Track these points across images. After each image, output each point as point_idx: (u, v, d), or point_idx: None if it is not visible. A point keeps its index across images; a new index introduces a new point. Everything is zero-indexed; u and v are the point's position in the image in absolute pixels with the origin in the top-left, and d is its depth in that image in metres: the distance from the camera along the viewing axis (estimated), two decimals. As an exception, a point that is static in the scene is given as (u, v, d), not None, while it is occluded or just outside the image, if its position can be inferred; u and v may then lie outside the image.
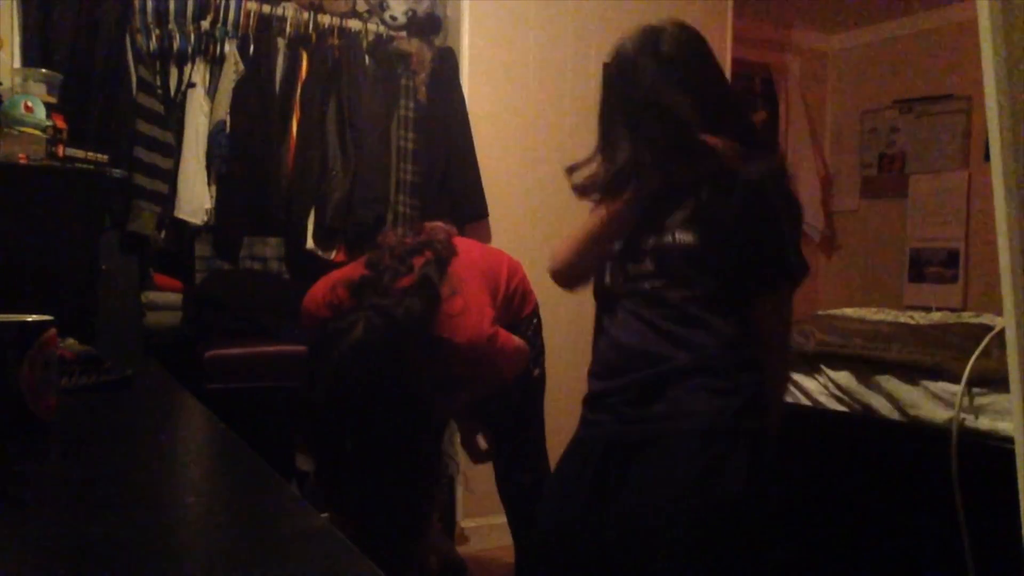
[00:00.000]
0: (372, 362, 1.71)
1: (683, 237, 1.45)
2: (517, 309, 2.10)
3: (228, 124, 2.86)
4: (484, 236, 3.19)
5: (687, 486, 1.37)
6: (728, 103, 1.56)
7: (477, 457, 2.21)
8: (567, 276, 1.62)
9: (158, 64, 2.80)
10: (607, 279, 1.56)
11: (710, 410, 1.40)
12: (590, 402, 1.56)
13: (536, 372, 2.16)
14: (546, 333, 2.25)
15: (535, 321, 2.17)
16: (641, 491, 1.41)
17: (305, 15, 3.05)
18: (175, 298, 2.83)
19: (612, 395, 1.49)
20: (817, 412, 2.23)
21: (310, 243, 3.01)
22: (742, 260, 1.45)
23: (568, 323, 2.95)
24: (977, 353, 1.88)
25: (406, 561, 1.98)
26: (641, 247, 1.50)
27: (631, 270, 1.51)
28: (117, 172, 2.40)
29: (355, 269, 1.99)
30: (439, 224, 2.09)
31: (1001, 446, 1.72)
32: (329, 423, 1.77)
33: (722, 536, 1.37)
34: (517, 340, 1.97)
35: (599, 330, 1.59)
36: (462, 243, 2.07)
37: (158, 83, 2.78)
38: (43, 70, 2.38)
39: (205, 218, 2.85)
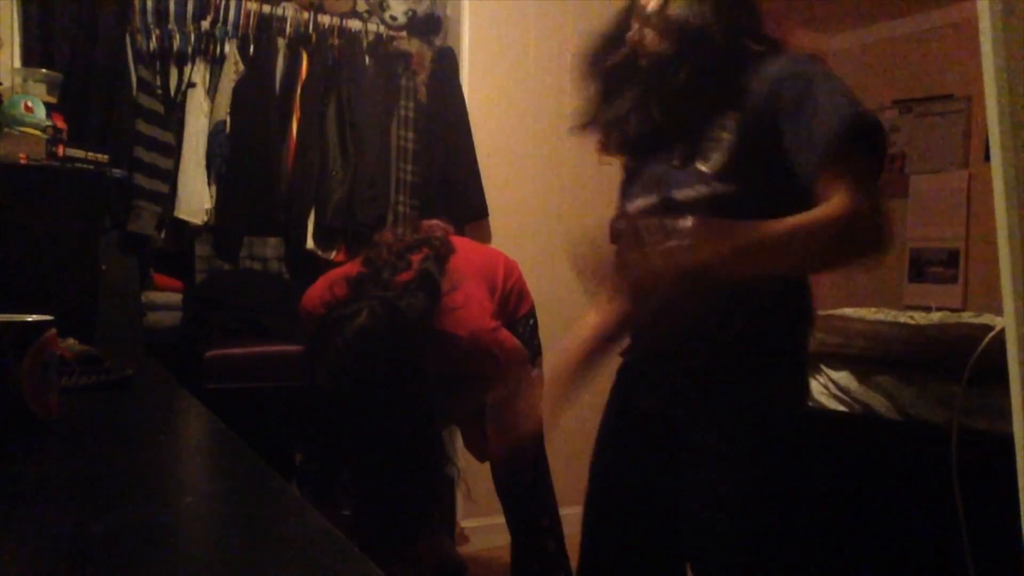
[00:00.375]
0: (375, 350, 1.70)
1: (721, 187, 1.23)
2: (513, 308, 2.10)
3: (228, 124, 2.86)
4: (484, 236, 3.20)
5: (725, 471, 1.32)
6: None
7: (481, 456, 2.21)
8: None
9: (158, 64, 2.80)
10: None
11: (750, 394, 1.30)
12: (627, 365, 1.45)
13: (534, 372, 2.16)
14: (545, 333, 2.25)
15: (531, 322, 2.17)
16: (679, 471, 1.35)
17: (305, 15, 3.05)
18: (175, 298, 2.83)
19: (648, 367, 1.39)
20: (817, 412, 2.22)
21: (310, 243, 3.01)
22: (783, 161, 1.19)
23: (567, 324, 2.94)
24: (977, 353, 1.88)
25: (406, 556, 1.98)
26: (675, 197, 1.28)
27: (670, 227, 1.30)
28: (117, 172, 2.40)
29: (352, 267, 1.99)
30: (436, 222, 2.10)
31: (1001, 446, 1.72)
32: (329, 415, 1.77)
33: (765, 519, 1.34)
34: (516, 340, 1.97)
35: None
36: (459, 241, 2.08)
37: (158, 83, 2.78)
38: (43, 70, 2.39)
39: (205, 218, 2.86)
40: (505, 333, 1.93)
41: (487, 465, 2.26)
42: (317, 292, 1.98)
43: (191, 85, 2.84)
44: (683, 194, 1.27)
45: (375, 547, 1.94)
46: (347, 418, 1.75)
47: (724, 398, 1.31)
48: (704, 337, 1.30)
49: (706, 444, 1.32)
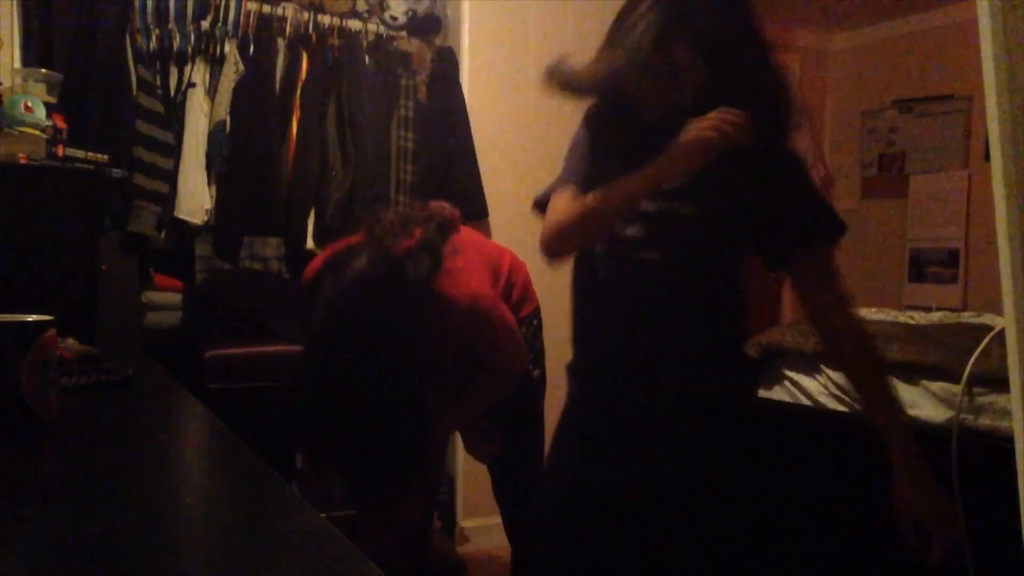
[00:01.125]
0: (373, 299, 1.65)
1: (684, 207, 1.31)
2: (516, 304, 2.09)
3: (228, 124, 2.86)
4: (484, 236, 3.20)
5: (679, 469, 1.36)
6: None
7: (482, 456, 2.20)
8: (566, 246, 1.46)
9: (158, 64, 2.80)
10: None
11: (703, 395, 1.37)
12: (578, 377, 1.49)
13: (536, 373, 2.15)
14: (546, 334, 2.25)
15: (535, 322, 2.17)
16: (635, 472, 1.39)
17: (305, 15, 3.05)
18: (175, 298, 2.83)
19: (601, 374, 1.43)
20: (817, 412, 2.23)
21: (310, 243, 3.01)
22: (766, 223, 1.33)
23: (569, 324, 2.94)
24: (977, 353, 1.88)
25: (391, 513, 1.95)
26: (639, 208, 1.34)
27: (619, 232, 1.37)
28: (117, 172, 2.40)
29: (354, 239, 1.97)
30: (444, 203, 2.07)
31: (1001, 446, 1.72)
32: (321, 367, 1.71)
33: (716, 520, 1.36)
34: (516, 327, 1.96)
35: (585, 296, 1.47)
36: (466, 229, 2.06)
37: (158, 83, 2.78)
38: (43, 70, 2.38)
39: (205, 218, 2.85)
40: (506, 307, 1.91)
41: (486, 466, 2.25)
42: (317, 263, 1.96)
43: (191, 85, 2.84)
44: (644, 206, 1.33)
45: (364, 506, 1.91)
46: (338, 369, 1.68)
47: (678, 392, 1.37)
48: (660, 344, 1.37)
49: (665, 436, 1.37)
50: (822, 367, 2.23)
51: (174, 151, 2.79)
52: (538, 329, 2.18)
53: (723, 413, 1.38)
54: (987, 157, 3.86)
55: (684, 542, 1.37)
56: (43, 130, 2.17)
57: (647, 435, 1.38)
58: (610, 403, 1.42)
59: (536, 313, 2.17)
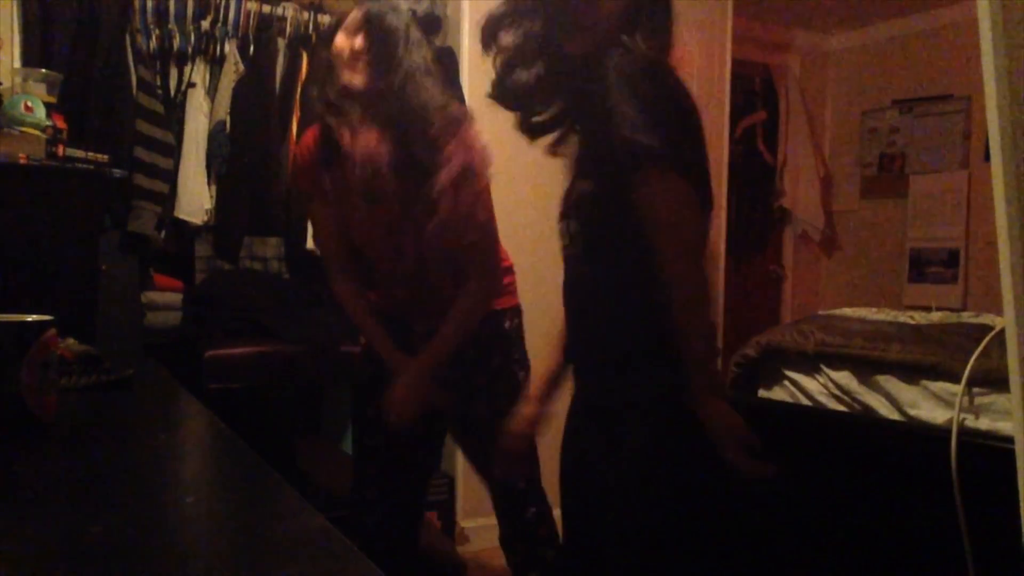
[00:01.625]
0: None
1: (584, 185, 1.47)
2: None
3: (228, 124, 2.86)
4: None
5: (632, 462, 1.38)
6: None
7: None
8: None
9: (158, 64, 2.80)
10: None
11: (644, 389, 1.39)
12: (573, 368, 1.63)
13: (521, 375, 2.12)
14: (538, 335, 2.22)
15: (515, 321, 2.12)
16: (604, 457, 1.44)
17: (305, 15, 3.05)
18: (175, 298, 2.83)
19: (577, 367, 1.57)
20: (817, 412, 2.23)
21: (310, 243, 3.01)
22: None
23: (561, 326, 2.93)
24: (977, 353, 1.88)
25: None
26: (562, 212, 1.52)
27: (563, 233, 1.53)
28: (117, 172, 2.40)
29: None
30: None
31: (1001, 446, 1.72)
32: None
33: (666, 514, 1.36)
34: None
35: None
36: None
37: (158, 83, 2.78)
38: (43, 70, 2.38)
39: (205, 218, 2.85)
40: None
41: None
42: (308, 140, 1.94)
43: (191, 85, 2.84)
44: (567, 202, 1.50)
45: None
46: None
47: (628, 389, 1.42)
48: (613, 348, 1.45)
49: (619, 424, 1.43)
50: (822, 367, 2.23)
51: (174, 151, 2.78)
52: (519, 328, 2.14)
53: (667, 410, 1.37)
54: (987, 157, 3.86)
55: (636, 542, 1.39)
56: (43, 130, 2.17)
57: (600, 429, 1.45)
58: (583, 393, 1.54)
59: (516, 310, 2.13)
